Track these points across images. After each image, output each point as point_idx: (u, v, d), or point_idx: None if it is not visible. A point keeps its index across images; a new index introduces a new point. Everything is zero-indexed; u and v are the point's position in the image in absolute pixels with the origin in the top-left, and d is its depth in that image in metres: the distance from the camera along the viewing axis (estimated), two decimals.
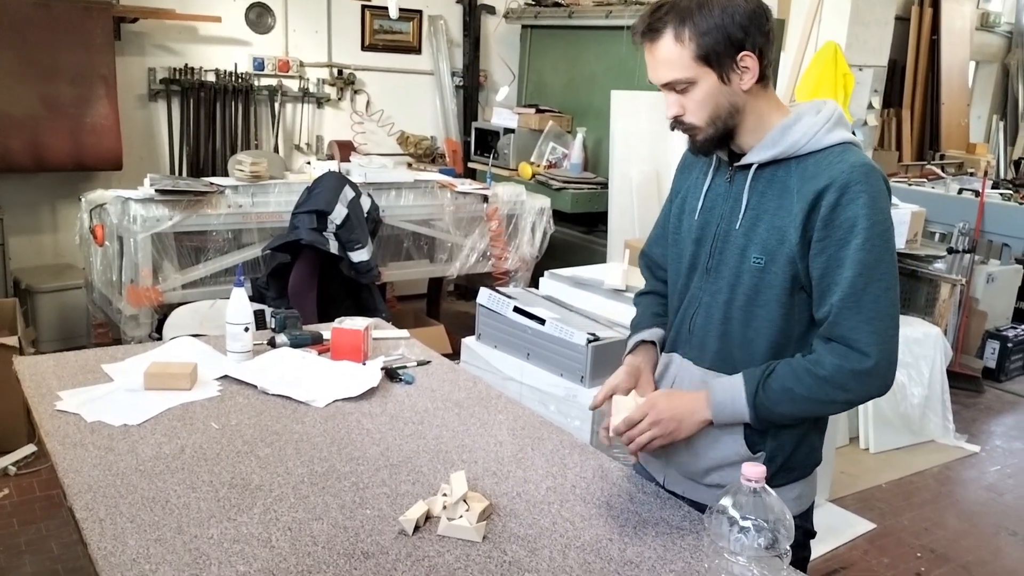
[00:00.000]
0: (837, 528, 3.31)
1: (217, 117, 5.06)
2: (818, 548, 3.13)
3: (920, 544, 3.27)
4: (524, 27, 6.06)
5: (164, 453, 1.66)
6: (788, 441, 1.49)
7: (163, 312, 3.71)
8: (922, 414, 4.13)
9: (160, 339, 3.52)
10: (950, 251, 4.82)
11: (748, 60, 1.39)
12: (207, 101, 5.01)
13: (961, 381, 4.80)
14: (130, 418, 1.79)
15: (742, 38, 1.37)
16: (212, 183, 3.89)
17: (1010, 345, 5.08)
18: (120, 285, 3.70)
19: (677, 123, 1.45)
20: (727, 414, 1.45)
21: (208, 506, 1.47)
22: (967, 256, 4.87)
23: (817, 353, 1.41)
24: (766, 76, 1.43)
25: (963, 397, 4.72)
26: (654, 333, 1.67)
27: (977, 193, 5.30)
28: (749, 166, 1.46)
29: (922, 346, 4.16)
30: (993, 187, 5.78)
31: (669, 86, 1.42)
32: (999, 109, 9.52)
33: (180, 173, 4.99)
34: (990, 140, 9.30)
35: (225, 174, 4.59)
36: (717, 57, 1.37)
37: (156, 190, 3.66)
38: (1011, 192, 5.93)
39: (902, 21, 7.81)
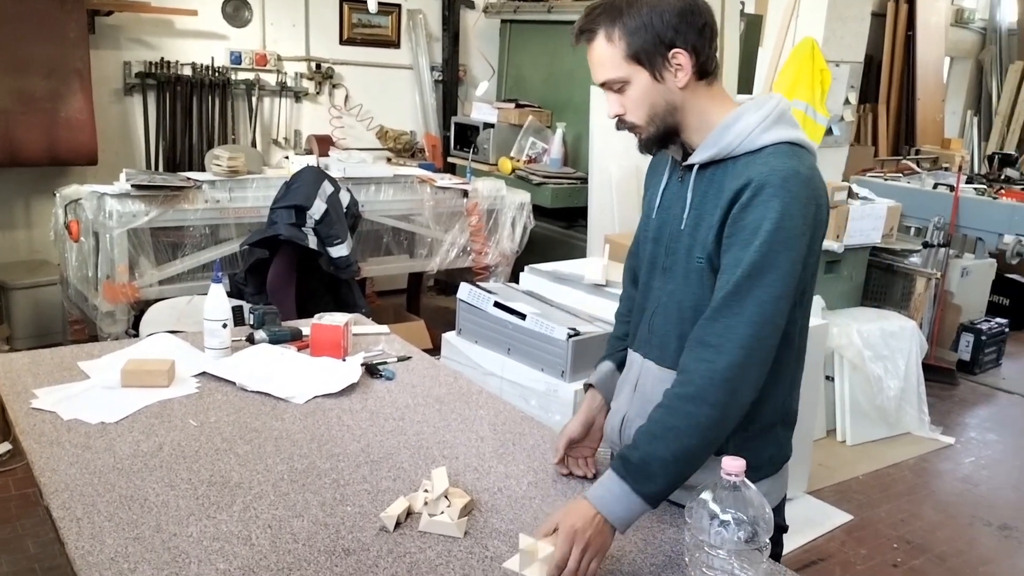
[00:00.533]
0: (815, 520, 3.34)
1: (194, 111, 5.01)
2: (796, 540, 3.16)
3: (897, 535, 3.30)
4: (503, 22, 6.05)
5: (142, 451, 1.64)
6: (752, 440, 1.47)
7: (140, 308, 3.67)
8: (898, 406, 4.18)
9: (137, 336, 3.49)
10: (925, 245, 4.87)
11: (681, 57, 1.38)
12: (183, 95, 4.96)
13: (936, 374, 4.85)
14: (107, 416, 1.78)
15: (672, 36, 1.37)
16: (189, 178, 3.86)
17: (984, 338, 5.14)
18: (96, 281, 3.66)
19: (620, 123, 1.46)
20: (612, 501, 1.33)
21: (187, 504, 1.46)
22: (942, 250, 4.92)
23: (682, 370, 1.38)
24: (708, 72, 1.42)
25: (938, 389, 4.78)
26: (603, 375, 1.69)
27: (952, 188, 5.35)
28: (693, 166, 1.46)
29: (898, 339, 4.21)
30: (967, 182, 5.84)
31: (607, 86, 1.44)
32: (973, 105, 9.62)
33: (156, 168, 4.94)
34: (964, 135, 9.41)
35: (202, 169, 4.55)
36: (648, 55, 1.38)
37: (132, 185, 3.62)
38: (985, 187, 5.99)
39: (878, 17, 7.87)
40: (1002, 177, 7.16)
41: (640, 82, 1.40)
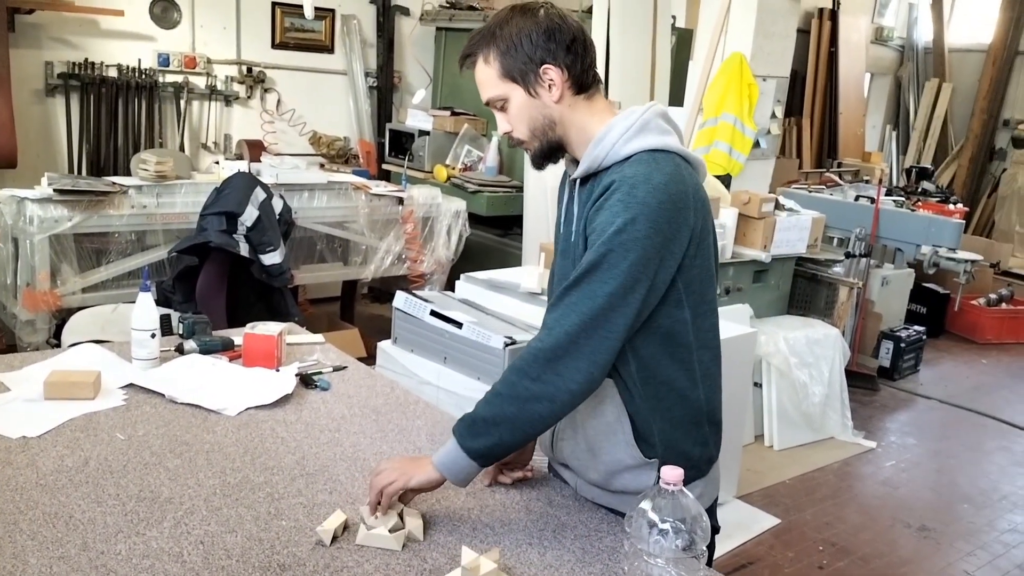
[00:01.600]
0: (744, 524, 3.42)
1: (119, 114, 4.88)
2: (726, 544, 3.22)
3: (822, 538, 3.40)
4: (439, 29, 6.05)
5: (66, 466, 1.59)
6: (678, 440, 1.51)
7: (62, 317, 3.55)
8: (823, 412, 4.30)
9: (59, 345, 3.37)
10: (848, 255, 5.03)
11: (551, 72, 1.45)
12: (108, 97, 4.83)
13: (858, 380, 5.02)
14: (29, 429, 1.71)
15: (542, 54, 1.44)
16: (114, 183, 3.75)
17: (903, 345, 5.34)
18: (15, 289, 3.53)
19: (511, 139, 1.53)
20: (442, 450, 1.47)
21: (115, 521, 1.42)
22: (863, 260, 5.09)
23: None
24: (586, 87, 1.48)
25: (860, 395, 4.93)
26: None
27: (872, 200, 5.55)
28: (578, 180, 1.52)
29: (822, 347, 4.34)
30: (887, 194, 6.06)
31: (491, 105, 1.52)
32: (892, 119, 9.99)
33: (80, 172, 4.79)
34: (884, 149, 9.76)
35: (128, 173, 4.44)
36: (520, 72, 1.46)
37: (55, 189, 3.50)
38: (903, 199, 6.23)
39: (802, 33, 8.12)
40: (919, 190, 7.46)
41: (517, 98, 1.48)
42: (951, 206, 6.94)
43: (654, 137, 1.44)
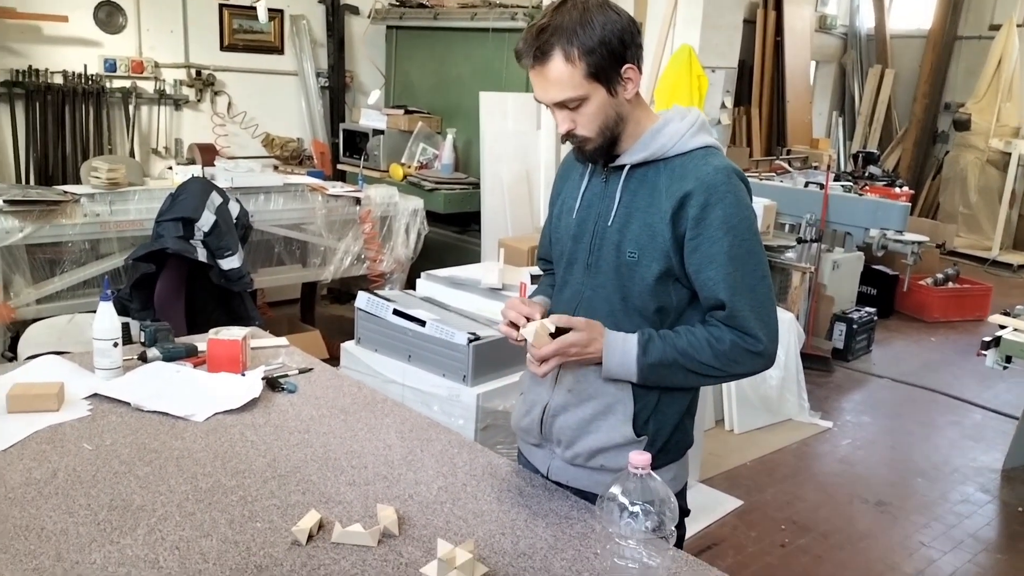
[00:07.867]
0: (708, 506, 3.49)
1: (66, 121, 4.80)
2: (692, 527, 3.27)
3: (783, 517, 3.49)
4: (389, 28, 6.04)
5: (35, 478, 1.58)
6: (667, 424, 1.61)
7: (16, 329, 3.49)
8: (780, 395, 4.40)
9: (15, 358, 3.32)
10: (799, 241, 5.15)
11: (631, 72, 1.48)
12: (55, 104, 4.74)
13: (813, 362, 5.13)
14: None
15: (623, 52, 1.45)
16: (66, 191, 3.69)
17: (855, 326, 5.47)
18: None
19: (569, 136, 1.53)
20: (618, 353, 1.52)
21: (88, 531, 1.42)
22: (815, 245, 5.21)
23: (718, 329, 1.51)
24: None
25: (815, 376, 5.05)
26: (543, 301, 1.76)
27: (822, 186, 5.67)
28: (622, 167, 1.55)
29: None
30: (835, 179, 6.19)
31: (561, 104, 1.48)
32: (838, 106, 10.20)
33: (28, 181, 4.70)
34: (831, 135, 9.96)
35: (77, 181, 4.37)
36: (605, 73, 1.45)
37: (4, 200, 3.44)
38: (851, 184, 6.37)
39: (748, 24, 8.25)
40: (866, 174, 7.63)
41: (598, 99, 1.47)
42: (897, 189, 7.12)
43: (709, 136, 1.55)
